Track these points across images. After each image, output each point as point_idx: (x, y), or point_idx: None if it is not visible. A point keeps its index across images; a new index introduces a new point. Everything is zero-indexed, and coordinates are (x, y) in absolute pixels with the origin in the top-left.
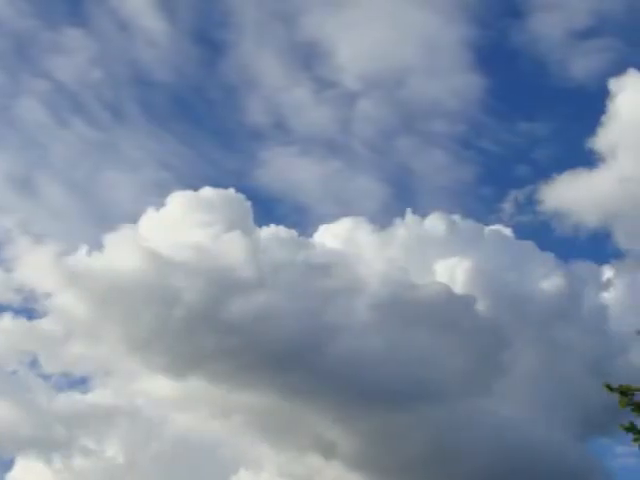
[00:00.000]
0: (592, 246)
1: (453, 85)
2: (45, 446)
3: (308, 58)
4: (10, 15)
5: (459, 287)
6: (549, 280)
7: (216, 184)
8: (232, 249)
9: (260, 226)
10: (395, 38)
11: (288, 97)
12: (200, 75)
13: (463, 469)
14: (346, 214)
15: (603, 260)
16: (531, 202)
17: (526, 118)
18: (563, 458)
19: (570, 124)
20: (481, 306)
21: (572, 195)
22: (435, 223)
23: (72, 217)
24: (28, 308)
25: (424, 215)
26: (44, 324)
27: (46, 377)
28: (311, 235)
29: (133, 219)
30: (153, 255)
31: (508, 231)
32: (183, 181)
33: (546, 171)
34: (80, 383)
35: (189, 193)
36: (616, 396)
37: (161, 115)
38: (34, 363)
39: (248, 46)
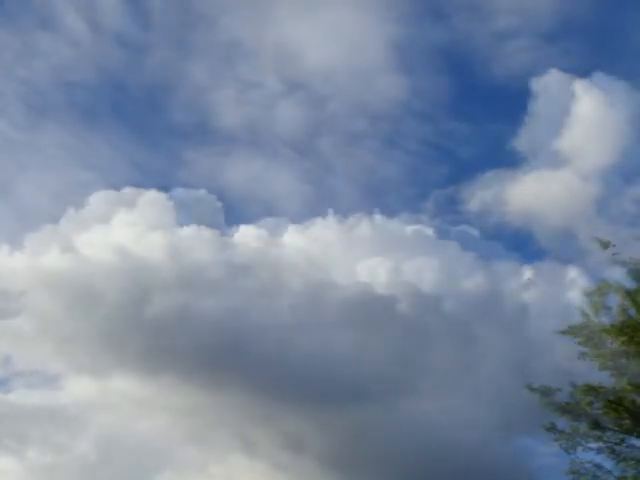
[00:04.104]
0: (513, 246)
1: (376, 85)
2: None
3: (231, 58)
4: None
5: (381, 287)
6: (471, 279)
7: (139, 184)
8: (154, 249)
9: (182, 226)
10: (318, 37)
11: (211, 97)
12: (123, 75)
13: (385, 468)
14: (268, 214)
15: (524, 260)
16: (454, 202)
17: (449, 118)
18: (487, 457)
19: (492, 124)
20: (403, 306)
21: (494, 195)
22: (357, 223)
23: None
24: None
25: (346, 215)
26: None
27: None
28: (233, 235)
29: (54, 219)
30: (75, 255)
31: (430, 231)
32: (105, 181)
33: (469, 171)
34: (1, 383)
35: (111, 193)
36: (537, 396)
37: (84, 115)
38: None
39: (171, 46)
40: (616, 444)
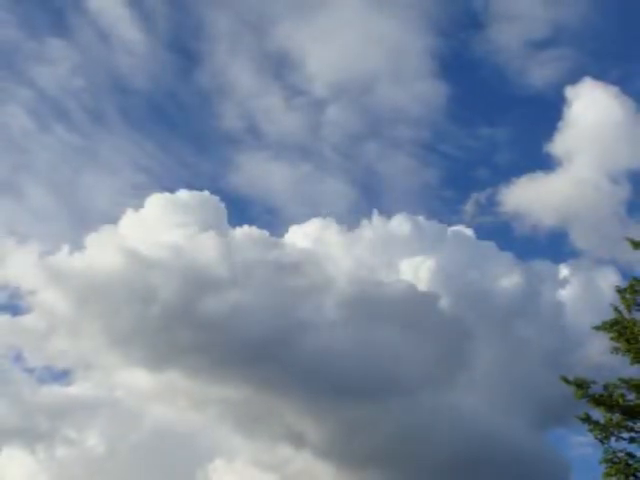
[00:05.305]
0: (549, 246)
1: (417, 92)
2: (29, 437)
3: (279, 66)
4: None
5: (423, 285)
6: (508, 278)
7: (192, 187)
8: (207, 249)
9: (234, 227)
10: (362, 47)
11: (260, 104)
12: (176, 82)
13: (427, 457)
14: (315, 215)
15: (560, 259)
16: (491, 204)
17: (486, 124)
18: (522, 447)
19: (528, 130)
20: (444, 303)
21: (530, 197)
22: (400, 224)
23: (55, 218)
24: (13, 305)
25: (390, 216)
26: (28, 320)
27: (30, 370)
28: (282, 235)
29: (113, 220)
30: (132, 255)
31: (469, 231)
32: (160, 184)
33: (506, 174)
34: (62, 376)
35: (166, 195)
36: (572, 388)
37: (139, 121)
38: (18, 357)
39: (221, 55)
40: None
